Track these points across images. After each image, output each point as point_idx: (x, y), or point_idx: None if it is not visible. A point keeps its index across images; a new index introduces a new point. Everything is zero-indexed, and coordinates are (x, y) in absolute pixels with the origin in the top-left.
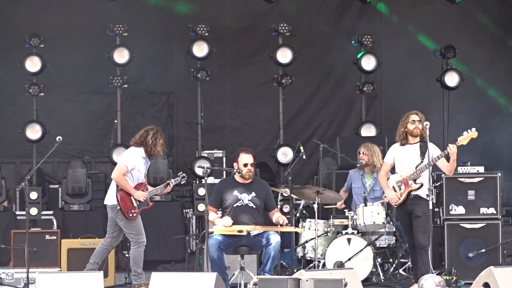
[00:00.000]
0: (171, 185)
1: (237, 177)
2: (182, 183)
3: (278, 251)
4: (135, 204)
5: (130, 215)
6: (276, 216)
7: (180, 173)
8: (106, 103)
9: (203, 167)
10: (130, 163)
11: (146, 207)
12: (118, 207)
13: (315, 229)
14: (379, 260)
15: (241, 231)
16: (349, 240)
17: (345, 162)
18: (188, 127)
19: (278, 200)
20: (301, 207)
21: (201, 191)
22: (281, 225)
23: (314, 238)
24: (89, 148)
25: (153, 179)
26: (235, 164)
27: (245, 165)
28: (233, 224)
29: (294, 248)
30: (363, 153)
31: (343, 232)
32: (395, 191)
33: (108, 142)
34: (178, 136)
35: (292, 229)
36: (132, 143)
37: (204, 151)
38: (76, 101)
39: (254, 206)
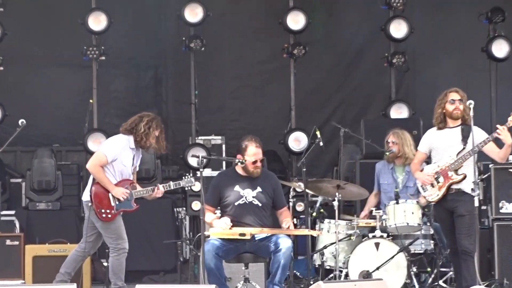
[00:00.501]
0: (161, 190)
1: (239, 169)
2: (187, 188)
3: (290, 258)
4: (112, 204)
5: (104, 215)
6: (284, 217)
7: (187, 176)
8: (80, 78)
9: (197, 157)
10: (111, 153)
11: (128, 209)
12: (90, 204)
13: (335, 232)
14: (414, 269)
15: (244, 235)
16: (377, 245)
17: (371, 149)
18: (180, 108)
19: (290, 197)
20: (318, 205)
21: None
22: (288, 227)
23: (335, 242)
24: (58, 134)
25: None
26: (239, 156)
27: (254, 162)
28: (234, 226)
29: (310, 255)
30: (392, 142)
31: (370, 235)
32: (432, 186)
33: (82, 127)
34: (167, 119)
35: (307, 231)
36: (121, 129)
37: (199, 137)
38: (43, 76)
39: (260, 204)
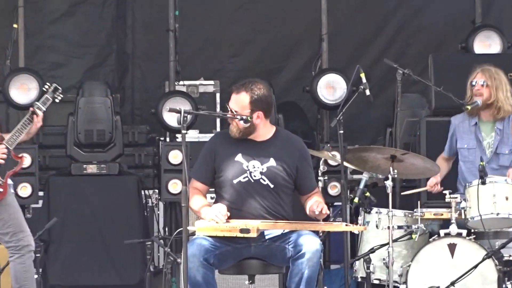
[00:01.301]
0: (39, 113)
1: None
2: (56, 100)
3: (317, 268)
4: None
5: None
6: (313, 200)
7: (48, 85)
8: None
9: (178, 111)
10: None
11: (13, 169)
12: None
13: (388, 227)
14: (509, 285)
15: (248, 231)
16: (452, 247)
17: (444, 101)
18: (152, 37)
19: (319, 174)
20: (361, 186)
21: (175, 156)
22: (318, 216)
23: (387, 244)
24: None
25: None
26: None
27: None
28: (233, 217)
29: (348, 263)
30: (479, 84)
31: (442, 232)
32: None
33: (2, 64)
34: (133, 54)
35: (344, 227)
36: None
37: (181, 82)
38: None
39: (272, 185)
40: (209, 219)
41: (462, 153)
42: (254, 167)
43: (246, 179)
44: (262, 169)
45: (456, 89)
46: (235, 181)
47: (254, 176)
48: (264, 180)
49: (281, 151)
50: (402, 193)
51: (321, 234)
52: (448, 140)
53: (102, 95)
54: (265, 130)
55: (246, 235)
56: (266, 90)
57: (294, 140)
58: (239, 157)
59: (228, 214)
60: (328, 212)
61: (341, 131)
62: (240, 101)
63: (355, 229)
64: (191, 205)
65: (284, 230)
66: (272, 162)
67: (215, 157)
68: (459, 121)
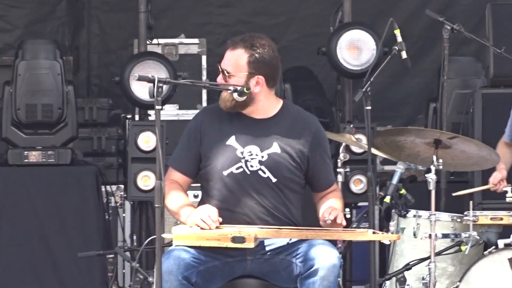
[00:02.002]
0: None
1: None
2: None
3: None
4: None
5: None
6: (326, 205)
7: None
8: None
9: (151, 80)
10: None
11: None
12: None
13: (429, 236)
14: None
15: (243, 240)
16: None
17: (506, 67)
18: None
19: (338, 164)
20: (395, 180)
21: (147, 141)
22: (331, 227)
23: (428, 258)
24: None
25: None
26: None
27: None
28: (224, 221)
29: (375, 284)
30: None
31: (501, 243)
32: None
33: None
34: (90, 2)
35: (371, 235)
36: None
37: (155, 40)
38: None
39: (275, 179)
40: (192, 223)
41: None
42: (251, 154)
43: (241, 169)
44: (262, 156)
45: None
46: (225, 173)
47: (251, 166)
48: (264, 172)
49: (289, 133)
50: (453, 194)
51: (340, 245)
52: (511, 119)
53: (48, 57)
54: (267, 104)
55: (240, 246)
56: (271, 48)
57: (307, 118)
58: (231, 141)
59: (220, 219)
60: (344, 223)
61: (369, 107)
62: (235, 60)
63: (386, 238)
64: (168, 204)
65: (290, 239)
66: (275, 147)
67: (201, 140)
68: None
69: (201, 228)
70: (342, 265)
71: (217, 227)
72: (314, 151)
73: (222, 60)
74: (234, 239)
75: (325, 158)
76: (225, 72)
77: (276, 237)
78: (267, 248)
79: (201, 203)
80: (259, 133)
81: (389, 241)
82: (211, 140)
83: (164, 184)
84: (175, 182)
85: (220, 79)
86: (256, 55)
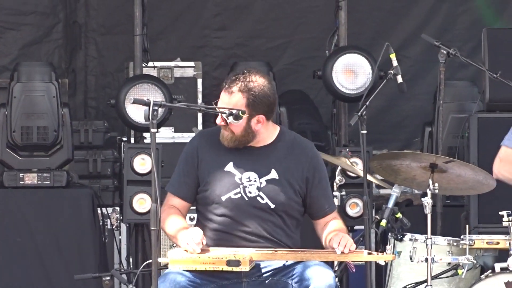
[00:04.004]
0: None
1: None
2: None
3: None
4: None
5: None
6: (330, 232)
7: None
8: None
9: (146, 103)
10: None
11: None
12: None
13: (426, 260)
14: None
15: (238, 263)
16: (511, 286)
17: (502, 91)
18: (112, 2)
19: (334, 188)
20: (391, 204)
21: (142, 163)
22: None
23: (424, 282)
24: None
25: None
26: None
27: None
28: (220, 243)
29: None
30: None
31: (497, 267)
32: None
33: None
34: (87, 25)
35: (367, 256)
36: None
37: (150, 63)
38: None
39: (273, 205)
40: (184, 248)
41: None
42: (250, 181)
43: (239, 195)
44: (260, 183)
45: None
46: (224, 198)
47: (249, 192)
48: (263, 198)
49: (286, 159)
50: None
51: (336, 269)
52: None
53: (44, 80)
54: (266, 134)
55: (235, 269)
56: (267, 86)
57: (304, 144)
58: (230, 167)
59: (204, 241)
60: (354, 247)
61: (364, 131)
62: (234, 105)
63: (381, 258)
64: (166, 228)
65: (286, 262)
66: (273, 174)
67: (199, 165)
68: None
69: (191, 252)
70: (338, 287)
71: (206, 250)
72: (312, 177)
73: (219, 102)
74: (229, 263)
75: (323, 183)
76: (223, 116)
77: (271, 259)
78: (263, 270)
79: (196, 225)
80: (257, 160)
81: (385, 261)
82: (208, 165)
83: (162, 209)
84: (173, 207)
85: (220, 121)
86: (253, 97)
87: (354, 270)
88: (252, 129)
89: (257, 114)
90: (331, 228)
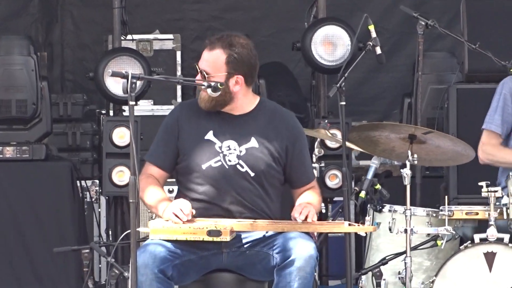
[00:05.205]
0: None
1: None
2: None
3: (310, 280)
4: None
5: None
6: (301, 200)
7: None
8: None
9: (124, 76)
10: None
11: None
12: None
13: (405, 231)
14: None
15: (219, 233)
16: (490, 257)
17: (480, 62)
18: None
19: (313, 159)
20: (370, 175)
21: (121, 136)
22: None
23: (404, 253)
24: None
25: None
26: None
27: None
28: (200, 215)
29: (351, 278)
30: None
31: (477, 238)
32: None
33: None
34: (64, 0)
35: (347, 227)
36: None
37: (129, 36)
38: None
39: (253, 173)
40: (167, 217)
41: None
42: (230, 149)
43: (219, 163)
44: (240, 151)
45: (498, 46)
46: (204, 166)
47: (229, 160)
48: (242, 166)
49: (266, 128)
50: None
51: (315, 240)
52: (500, 113)
53: (23, 53)
54: (245, 101)
55: (216, 239)
56: (249, 47)
57: (284, 114)
58: (210, 135)
59: (194, 212)
60: (315, 219)
61: (343, 103)
62: (213, 61)
63: (362, 230)
64: (145, 198)
65: (267, 232)
66: (253, 142)
67: (179, 135)
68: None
69: (175, 223)
70: (318, 258)
71: (190, 221)
72: (292, 147)
73: (200, 60)
74: (210, 233)
75: (304, 153)
76: (203, 72)
77: (252, 230)
78: (244, 241)
79: (177, 197)
80: (237, 128)
81: (365, 233)
82: (189, 135)
83: (140, 178)
84: (151, 176)
85: (198, 79)
86: (235, 55)
87: (316, 239)
88: (230, 89)
89: (235, 73)
90: (301, 200)
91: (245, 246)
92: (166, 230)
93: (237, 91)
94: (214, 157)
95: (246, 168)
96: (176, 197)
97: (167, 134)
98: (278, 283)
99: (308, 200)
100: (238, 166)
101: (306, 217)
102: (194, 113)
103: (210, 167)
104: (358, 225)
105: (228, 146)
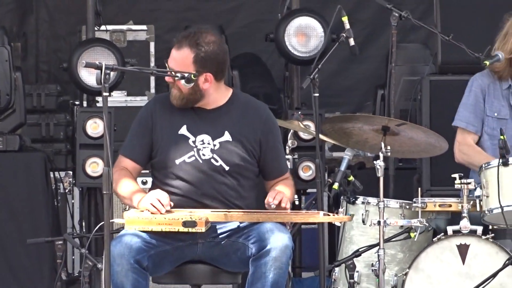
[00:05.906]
0: None
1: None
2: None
3: (285, 271)
4: None
5: None
6: (273, 189)
7: None
8: None
9: (98, 66)
10: None
11: None
12: None
13: (378, 223)
14: None
15: (194, 224)
16: (463, 249)
17: (453, 54)
18: None
19: (287, 151)
20: (343, 167)
21: (95, 127)
22: (277, 209)
23: (377, 245)
24: None
25: None
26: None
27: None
28: (176, 206)
29: (324, 270)
30: (504, 38)
31: (450, 230)
32: None
33: None
34: None
35: (322, 217)
36: None
37: (103, 26)
38: None
39: (227, 167)
40: (143, 208)
41: (489, 124)
42: (203, 143)
43: (193, 158)
44: (214, 145)
45: (471, 38)
46: (178, 161)
47: (203, 154)
48: (217, 161)
49: (240, 121)
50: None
51: (288, 229)
52: (473, 107)
53: None
54: (217, 95)
55: (191, 230)
56: (217, 44)
57: (257, 106)
58: (183, 130)
59: (172, 204)
60: (288, 207)
61: (316, 94)
62: (181, 60)
63: (337, 220)
64: (118, 189)
65: (241, 223)
66: (226, 136)
67: (153, 128)
68: (488, 81)
69: (152, 213)
70: (293, 248)
71: (168, 211)
72: (265, 139)
73: (169, 58)
74: (185, 224)
75: (277, 145)
76: (172, 72)
77: (227, 221)
78: (219, 231)
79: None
80: (210, 122)
81: (340, 223)
82: (162, 129)
83: (114, 171)
84: (124, 169)
85: (168, 78)
86: (202, 54)
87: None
88: (200, 87)
89: (204, 71)
90: (274, 189)
91: (220, 236)
92: (142, 221)
93: (207, 88)
94: (188, 152)
95: (220, 162)
96: (150, 190)
97: (141, 127)
98: (254, 273)
99: (281, 190)
100: (212, 160)
101: (280, 203)
102: (168, 108)
103: (184, 162)
104: (333, 215)
105: (202, 141)
